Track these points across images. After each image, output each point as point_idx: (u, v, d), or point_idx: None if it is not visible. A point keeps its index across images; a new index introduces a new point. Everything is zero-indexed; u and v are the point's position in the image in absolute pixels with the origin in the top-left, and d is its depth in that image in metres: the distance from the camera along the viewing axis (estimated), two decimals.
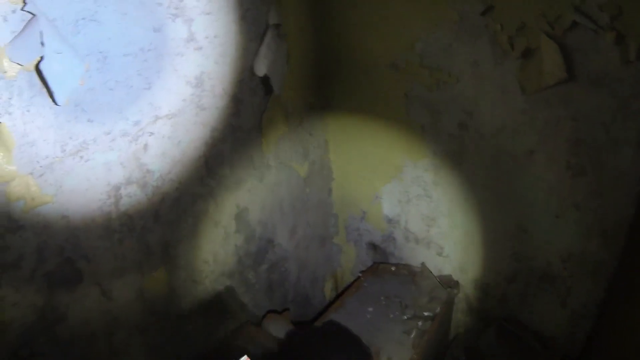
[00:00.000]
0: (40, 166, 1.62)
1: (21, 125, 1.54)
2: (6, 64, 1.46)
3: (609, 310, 2.36)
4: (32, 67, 1.51)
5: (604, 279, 2.39)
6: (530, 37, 2.19)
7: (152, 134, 1.95)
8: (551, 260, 2.50)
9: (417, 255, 2.95)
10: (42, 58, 1.50)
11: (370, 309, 2.66)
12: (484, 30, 2.27)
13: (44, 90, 1.56)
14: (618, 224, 2.27)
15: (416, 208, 2.83)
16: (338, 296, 3.07)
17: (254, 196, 2.51)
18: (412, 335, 2.47)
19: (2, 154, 1.51)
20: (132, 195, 1.93)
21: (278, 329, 2.47)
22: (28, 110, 1.54)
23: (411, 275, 2.89)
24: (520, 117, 2.33)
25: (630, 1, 1.98)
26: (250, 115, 2.38)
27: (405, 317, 2.59)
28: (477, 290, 2.79)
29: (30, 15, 1.46)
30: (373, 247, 3.11)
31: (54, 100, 1.58)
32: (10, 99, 1.49)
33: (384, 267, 3.00)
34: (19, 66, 1.48)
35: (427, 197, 2.76)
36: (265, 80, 2.38)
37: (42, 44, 1.48)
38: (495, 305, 2.74)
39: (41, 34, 1.47)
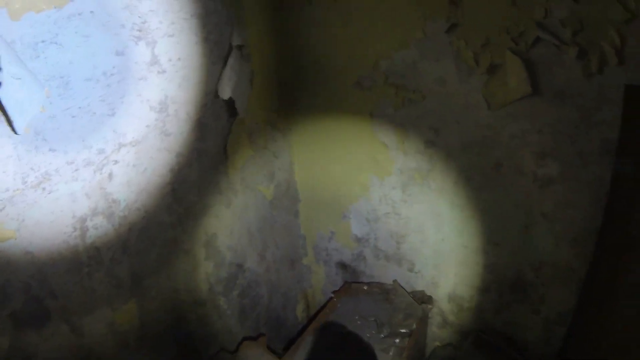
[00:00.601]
0: (0, 200, 1.47)
1: None
2: None
3: (581, 315, 2.33)
4: None
5: (575, 285, 2.36)
6: (494, 53, 2.16)
7: (116, 162, 1.82)
8: (523, 270, 2.46)
9: (388, 273, 2.87)
10: None
11: (346, 329, 2.56)
12: (448, 47, 2.23)
13: (2, 118, 1.42)
14: (587, 231, 2.24)
15: (385, 226, 2.75)
16: (312, 318, 2.96)
17: (222, 221, 2.39)
18: (390, 353, 2.39)
19: None
20: (99, 227, 1.80)
21: (255, 356, 2.36)
22: None
23: (384, 293, 2.81)
24: (486, 132, 2.29)
25: (591, 16, 1.97)
26: (215, 139, 2.27)
27: (382, 336, 2.50)
28: (451, 303, 2.72)
29: None
30: (343, 266, 3.01)
31: (13, 129, 1.44)
32: None
33: (356, 287, 2.90)
34: None
35: (395, 214, 2.68)
36: (229, 103, 2.27)
37: (0, 68, 1.35)
38: (470, 317, 2.68)
39: None
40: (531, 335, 2.55)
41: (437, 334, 2.83)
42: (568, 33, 2.01)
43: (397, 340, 2.45)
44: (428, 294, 2.76)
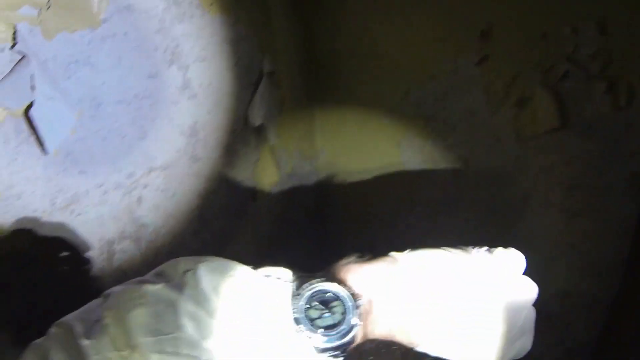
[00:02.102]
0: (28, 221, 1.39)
1: (7, 176, 1.31)
2: None
3: (606, 346, 2.19)
4: (20, 113, 1.30)
5: (600, 316, 2.22)
6: (524, 86, 2.07)
7: (146, 186, 1.73)
8: (548, 300, 2.31)
9: None
10: (32, 103, 1.29)
11: None
12: (479, 79, 2.14)
13: (33, 138, 1.34)
14: (613, 263, 2.10)
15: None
16: None
17: (248, 247, 2.29)
18: None
19: None
20: (126, 251, 1.71)
21: None
22: (15, 160, 1.32)
23: None
24: (515, 164, 2.19)
25: (620, 49, 1.89)
26: (243, 165, 2.18)
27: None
28: None
29: (20, 56, 1.26)
30: None
31: (43, 150, 1.37)
32: None
33: None
34: (6, 111, 1.27)
35: (422, 245, 2.58)
36: (258, 129, 2.19)
37: (33, 88, 1.28)
38: None
39: (32, 77, 1.27)
40: None
41: None
42: (597, 66, 1.93)
43: None
44: None
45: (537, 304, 2.25)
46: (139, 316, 0.75)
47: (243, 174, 2.20)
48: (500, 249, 1.03)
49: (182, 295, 0.77)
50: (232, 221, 2.18)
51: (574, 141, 2.08)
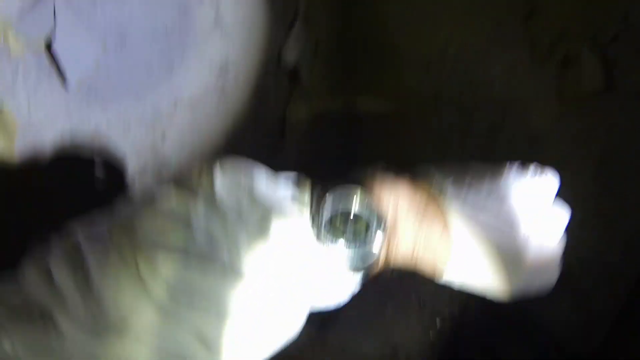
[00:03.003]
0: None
1: (26, 110, 1.26)
2: (12, 40, 1.18)
3: (628, 317, 2.15)
4: (42, 46, 1.23)
5: (623, 286, 2.15)
6: (570, 46, 1.93)
7: (171, 121, 1.67)
8: (572, 266, 2.26)
9: None
10: (54, 36, 1.22)
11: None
12: (523, 35, 2.01)
13: (54, 71, 1.28)
14: None
15: None
16: None
17: None
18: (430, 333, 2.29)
19: (3, 142, 1.24)
20: (147, 188, 1.67)
21: None
22: (35, 94, 1.26)
23: None
24: (554, 125, 2.08)
25: None
26: (274, 106, 2.11)
27: (424, 315, 2.36)
28: None
29: None
30: None
31: (65, 83, 1.30)
32: (15, 80, 1.21)
33: None
34: (28, 43, 1.20)
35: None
36: (291, 71, 2.10)
37: (55, 19, 1.21)
38: (510, 307, 2.51)
39: (54, 8, 1.20)
40: (571, 331, 2.36)
41: (477, 321, 2.68)
42: None
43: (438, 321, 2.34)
44: None
45: (563, 269, 2.18)
46: (146, 226, 0.69)
47: (273, 114, 2.13)
48: (533, 166, 0.92)
49: (195, 204, 0.70)
50: (259, 161, 2.12)
51: (617, 107, 1.95)
